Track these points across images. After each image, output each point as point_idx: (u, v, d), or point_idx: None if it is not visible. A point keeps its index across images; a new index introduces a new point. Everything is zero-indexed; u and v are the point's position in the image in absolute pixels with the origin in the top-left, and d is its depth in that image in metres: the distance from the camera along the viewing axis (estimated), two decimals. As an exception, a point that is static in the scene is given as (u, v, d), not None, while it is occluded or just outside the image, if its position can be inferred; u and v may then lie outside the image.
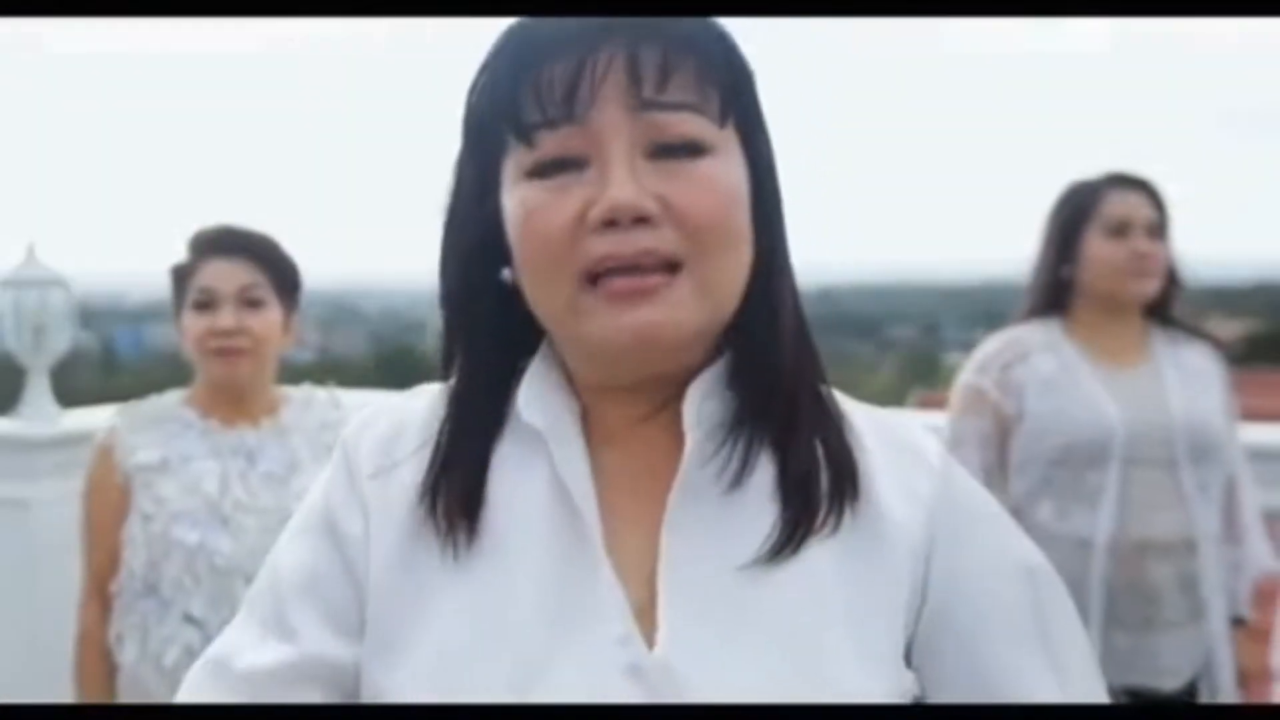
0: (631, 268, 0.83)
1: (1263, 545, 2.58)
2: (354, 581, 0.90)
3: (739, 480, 0.89)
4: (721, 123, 0.87)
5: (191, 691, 0.92)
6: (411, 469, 0.91)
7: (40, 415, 3.39)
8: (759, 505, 0.88)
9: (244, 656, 0.90)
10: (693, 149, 0.85)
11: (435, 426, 0.92)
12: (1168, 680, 2.41)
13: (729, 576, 0.86)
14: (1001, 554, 0.94)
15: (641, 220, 0.83)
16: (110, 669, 2.25)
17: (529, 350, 0.93)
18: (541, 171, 0.85)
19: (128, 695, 2.23)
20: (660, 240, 0.84)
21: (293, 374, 2.47)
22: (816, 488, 0.89)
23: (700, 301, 0.85)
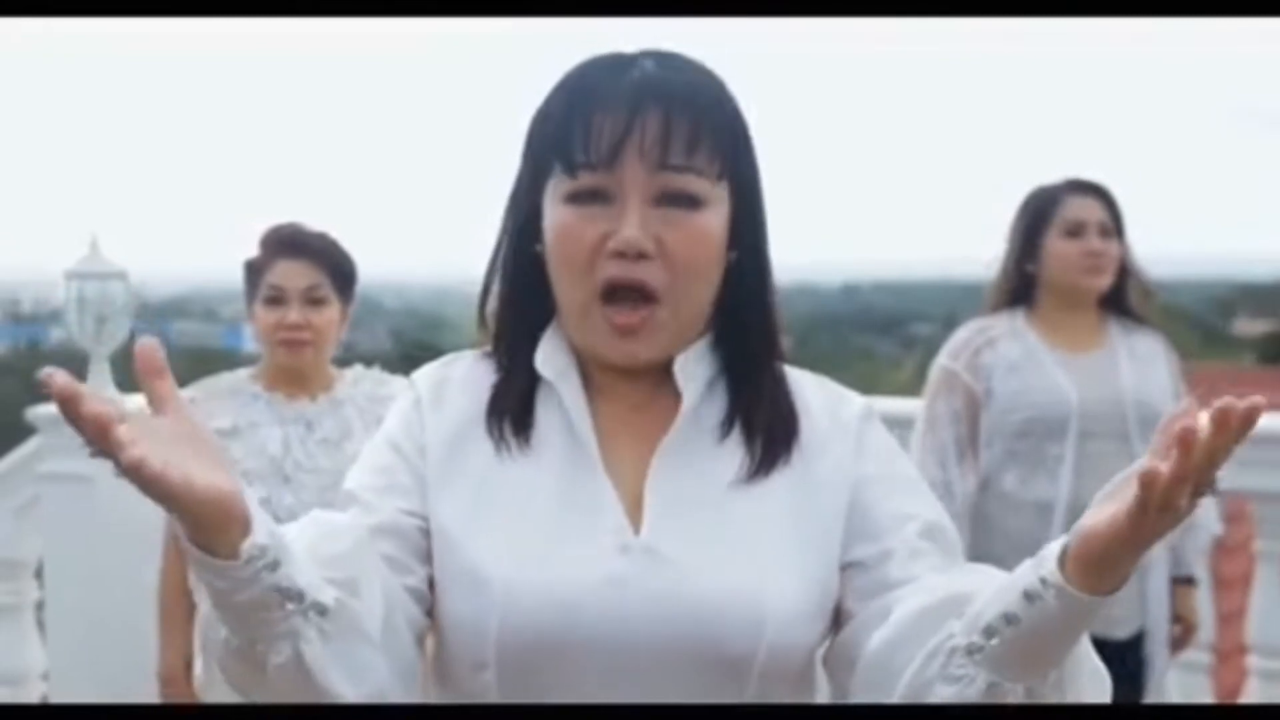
0: (629, 295, 1.14)
1: (1210, 511, 2.84)
2: (411, 468, 1.18)
3: (717, 426, 1.19)
4: (718, 181, 1.16)
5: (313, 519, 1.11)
6: (458, 407, 1.21)
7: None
8: (730, 448, 1.18)
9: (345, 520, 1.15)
10: (691, 202, 1.15)
11: (469, 378, 1.23)
12: (1119, 629, 2.68)
13: (701, 491, 1.16)
14: (894, 456, 1.24)
15: (641, 256, 1.13)
16: (190, 609, 2.57)
17: (550, 317, 1.22)
18: (576, 198, 1.15)
19: (205, 632, 2.54)
20: (651, 274, 1.14)
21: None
22: (777, 436, 1.19)
23: (672, 326, 1.16)
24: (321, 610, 0.99)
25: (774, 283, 1.23)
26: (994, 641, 1.00)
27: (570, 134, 1.14)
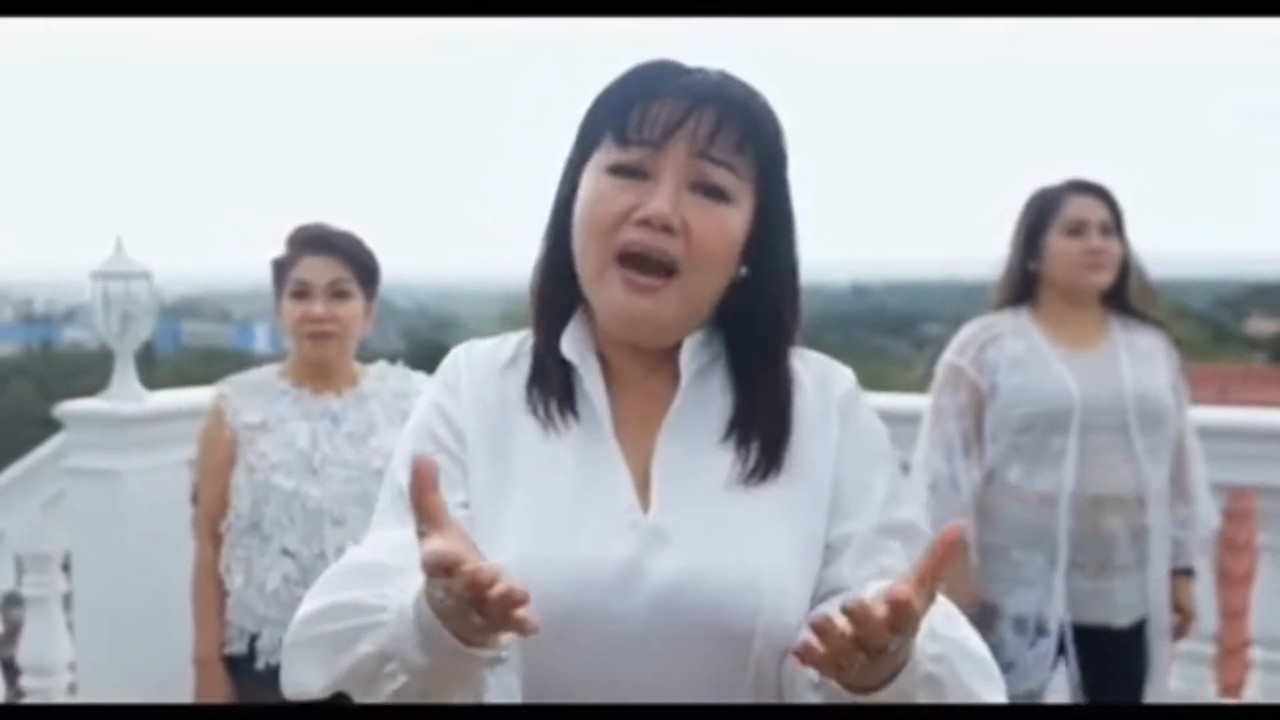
0: (646, 260, 1.20)
1: (1209, 505, 2.92)
2: (454, 457, 1.24)
3: (718, 416, 1.25)
4: (749, 183, 1.23)
5: (348, 568, 1.15)
6: (487, 391, 1.28)
7: (127, 395, 3.60)
8: (731, 439, 1.24)
9: (392, 534, 1.19)
10: (720, 195, 1.21)
11: (489, 365, 1.29)
12: (1120, 617, 2.75)
13: (702, 474, 1.22)
14: (873, 435, 1.30)
15: (666, 229, 1.20)
16: (221, 594, 2.66)
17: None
18: (617, 170, 1.21)
19: (235, 616, 2.65)
20: (671, 247, 1.20)
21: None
22: (774, 434, 1.24)
23: (680, 303, 1.22)
24: (501, 661, 1.06)
25: (792, 290, 1.28)
26: (817, 696, 1.08)
27: (630, 110, 1.22)
